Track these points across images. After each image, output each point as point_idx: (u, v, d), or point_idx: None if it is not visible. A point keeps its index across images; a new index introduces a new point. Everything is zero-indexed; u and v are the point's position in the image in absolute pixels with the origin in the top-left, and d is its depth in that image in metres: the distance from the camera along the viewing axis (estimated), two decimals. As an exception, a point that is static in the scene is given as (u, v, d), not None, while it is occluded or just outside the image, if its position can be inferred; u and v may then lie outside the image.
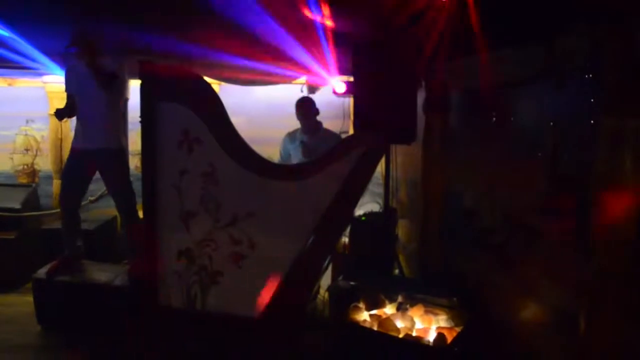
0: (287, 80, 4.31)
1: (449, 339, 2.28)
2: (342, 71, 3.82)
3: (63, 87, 3.35)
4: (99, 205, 4.67)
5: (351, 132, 3.59)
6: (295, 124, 3.95)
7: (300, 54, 3.33)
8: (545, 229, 2.06)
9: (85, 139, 3.26)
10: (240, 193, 2.60)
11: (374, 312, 2.58)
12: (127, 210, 3.32)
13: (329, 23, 2.99)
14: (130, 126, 3.43)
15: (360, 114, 3.04)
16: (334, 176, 2.55)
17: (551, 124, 1.99)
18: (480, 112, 2.74)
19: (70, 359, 2.88)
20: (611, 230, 1.65)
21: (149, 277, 2.68)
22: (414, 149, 3.22)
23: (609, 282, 1.66)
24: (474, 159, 2.76)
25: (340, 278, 2.95)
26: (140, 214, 3.00)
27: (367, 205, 3.63)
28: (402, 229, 3.80)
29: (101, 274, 3.27)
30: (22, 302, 3.51)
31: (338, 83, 3.62)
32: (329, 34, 3.11)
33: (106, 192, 3.58)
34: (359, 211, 3.44)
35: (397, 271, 3.45)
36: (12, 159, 5.09)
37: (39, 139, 5.08)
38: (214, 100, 2.59)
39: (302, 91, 4.32)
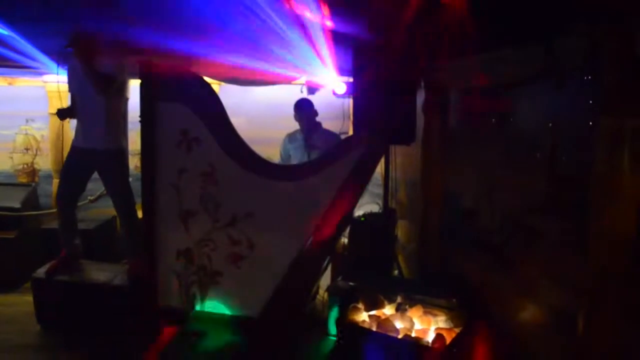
0: (287, 80, 4.31)
1: (448, 339, 2.27)
2: (342, 72, 3.82)
3: (63, 86, 3.35)
4: (98, 205, 4.65)
5: (351, 132, 3.59)
6: (294, 124, 3.95)
7: (301, 55, 3.33)
8: (544, 229, 2.06)
9: (85, 139, 3.26)
10: (240, 193, 2.61)
11: (373, 312, 2.57)
12: (126, 210, 3.32)
13: (328, 24, 2.99)
14: (130, 126, 3.42)
15: (359, 114, 3.04)
16: (333, 177, 2.55)
17: (550, 124, 1.99)
18: (479, 112, 2.74)
19: (69, 358, 2.88)
20: (610, 230, 1.65)
21: (148, 277, 2.68)
22: (414, 150, 3.22)
23: (609, 282, 1.66)
24: (474, 160, 2.76)
25: (340, 278, 2.95)
26: (140, 214, 3.00)
27: (366, 206, 3.62)
28: (401, 229, 3.80)
29: (100, 273, 3.26)
30: (22, 302, 3.51)
31: (338, 84, 3.62)
32: (329, 35, 3.11)
33: (105, 191, 3.57)
34: (358, 212, 3.44)
35: (396, 272, 3.44)
36: (12, 158, 5.09)
37: (38, 138, 5.09)
38: (214, 100, 2.60)
39: (301, 92, 4.32)
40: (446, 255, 3.14)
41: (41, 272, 3.22)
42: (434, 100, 3.15)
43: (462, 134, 3.06)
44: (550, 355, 1.98)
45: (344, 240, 3.57)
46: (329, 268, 3.47)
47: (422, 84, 3.16)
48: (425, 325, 2.44)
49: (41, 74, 4.20)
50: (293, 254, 2.58)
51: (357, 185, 2.60)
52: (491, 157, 2.52)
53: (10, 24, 3.18)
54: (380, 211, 3.42)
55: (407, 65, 2.85)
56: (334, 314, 2.71)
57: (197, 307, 2.67)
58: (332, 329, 2.69)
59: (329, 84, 3.68)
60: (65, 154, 3.43)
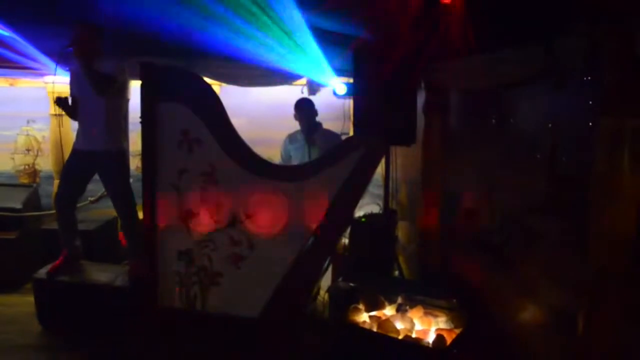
0: (288, 81, 4.32)
1: (449, 340, 2.27)
2: (343, 73, 3.83)
3: (64, 87, 3.36)
4: (99, 206, 4.66)
5: (351, 133, 3.59)
6: (295, 125, 3.96)
7: (301, 55, 3.33)
8: (544, 229, 2.06)
9: (86, 141, 3.26)
10: (240, 194, 2.61)
11: (373, 313, 2.58)
12: (127, 211, 3.32)
13: (330, 24, 3.00)
14: (130, 127, 3.43)
15: (360, 115, 3.04)
16: (334, 177, 2.55)
17: (550, 124, 1.99)
18: (479, 112, 2.74)
19: (70, 359, 2.88)
20: (610, 230, 1.65)
21: (149, 278, 2.68)
22: (414, 150, 3.22)
23: (609, 282, 1.66)
24: (474, 160, 2.76)
25: (340, 279, 2.95)
26: (140, 215, 3.00)
27: (367, 207, 3.63)
28: (402, 230, 3.80)
29: (101, 274, 3.27)
30: (23, 302, 3.52)
31: (338, 84, 3.62)
32: (330, 35, 3.12)
33: (106, 193, 3.57)
34: (359, 212, 3.44)
35: (396, 272, 3.44)
36: (13, 159, 5.10)
37: (40, 139, 5.09)
38: (214, 100, 2.60)
39: (302, 92, 4.33)
40: (446, 255, 3.14)
41: (42, 272, 3.23)
42: (434, 101, 3.15)
43: (463, 135, 3.07)
44: (550, 355, 1.98)
45: (345, 241, 3.58)
46: (330, 269, 3.48)
47: (423, 84, 3.17)
48: (425, 326, 2.45)
49: (42, 75, 4.21)
50: (293, 255, 2.57)
51: (357, 186, 2.60)
52: (491, 157, 2.52)
53: (12, 25, 3.19)
54: (381, 212, 3.42)
55: (408, 65, 2.85)
56: (334, 314, 2.72)
57: (198, 308, 2.67)
58: (333, 329, 2.70)
59: (329, 84, 3.69)
60: (66, 155, 3.43)
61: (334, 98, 3.78)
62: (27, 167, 5.10)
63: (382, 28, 2.86)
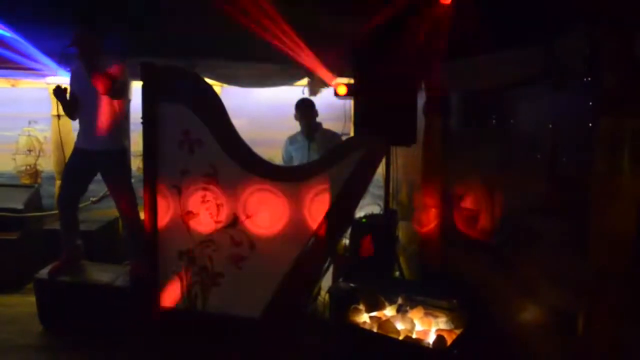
0: (289, 82, 4.33)
1: (449, 341, 2.28)
2: (344, 73, 3.84)
3: (67, 88, 3.36)
4: (101, 206, 4.68)
5: (352, 133, 3.60)
6: (296, 125, 3.96)
7: (302, 56, 3.34)
8: (545, 229, 2.06)
9: (87, 140, 3.27)
10: (241, 194, 2.61)
11: (374, 313, 2.58)
12: (128, 212, 3.33)
13: (331, 24, 3.00)
14: (132, 127, 3.44)
15: (361, 115, 3.04)
16: (334, 178, 2.56)
17: (550, 125, 1.99)
18: (480, 113, 2.75)
19: (71, 359, 2.89)
20: (610, 230, 1.65)
21: (149, 278, 2.69)
22: (415, 151, 3.23)
23: (609, 282, 1.66)
24: (474, 160, 2.77)
25: (341, 280, 2.95)
26: (142, 215, 3.01)
27: (367, 207, 3.63)
28: (402, 230, 3.80)
29: (103, 274, 3.27)
30: (24, 303, 3.52)
31: (339, 85, 3.63)
32: (331, 36, 3.12)
33: (107, 193, 3.58)
34: (359, 213, 3.44)
35: (397, 273, 3.44)
36: (14, 159, 5.11)
37: (41, 139, 5.10)
38: (215, 101, 2.60)
39: (303, 93, 4.33)
40: (447, 256, 3.14)
41: (43, 272, 3.23)
42: (435, 102, 3.16)
43: (463, 135, 3.07)
44: (551, 355, 1.98)
45: (345, 241, 3.58)
46: (331, 269, 3.48)
47: (423, 85, 3.17)
48: (426, 327, 2.45)
49: (44, 75, 4.22)
50: (294, 255, 2.58)
51: (358, 186, 2.60)
52: (492, 157, 2.52)
53: (13, 25, 3.20)
54: (382, 212, 3.42)
55: (409, 66, 2.85)
56: (335, 315, 2.72)
57: (199, 308, 2.68)
58: (333, 330, 2.70)
59: (330, 85, 3.70)
60: (68, 155, 3.44)
61: (335, 98, 3.78)
62: (28, 167, 5.11)
63: (383, 28, 2.87)
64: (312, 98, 4.09)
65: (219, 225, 2.62)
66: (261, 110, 4.78)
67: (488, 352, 2.34)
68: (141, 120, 2.58)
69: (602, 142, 1.65)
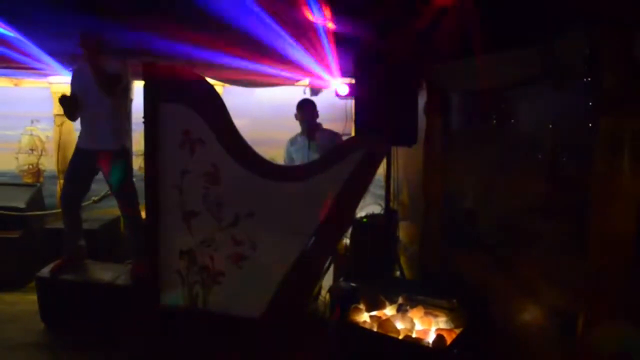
0: (291, 82, 4.33)
1: (449, 340, 2.28)
2: (345, 73, 3.84)
3: (68, 87, 3.38)
4: (102, 205, 4.69)
5: (353, 134, 3.60)
6: (297, 125, 3.97)
7: (303, 56, 3.35)
8: (544, 229, 2.06)
9: (89, 140, 3.28)
10: (242, 194, 2.62)
11: (374, 313, 2.58)
12: (130, 211, 3.34)
13: (331, 25, 3.01)
14: (133, 127, 3.45)
15: (362, 116, 3.05)
16: (335, 177, 2.56)
17: (550, 125, 2.00)
18: (480, 113, 2.75)
19: (72, 357, 2.89)
20: (610, 230, 1.65)
21: (151, 277, 2.70)
22: (416, 151, 3.23)
23: (608, 282, 1.66)
24: (475, 161, 2.77)
25: (341, 279, 2.96)
26: (143, 214, 3.02)
27: (369, 207, 3.63)
28: (403, 230, 3.81)
29: (104, 273, 3.28)
30: (26, 301, 3.54)
31: (340, 85, 3.63)
32: (332, 37, 3.13)
33: (109, 192, 3.59)
34: (360, 212, 3.44)
35: (398, 273, 3.45)
36: (17, 158, 5.14)
37: (44, 139, 5.13)
38: (217, 101, 2.61)
39: (305, 93, 4.34)
40: (447, 256, 3.15)
41: (45, 271, 3.24)
42: (435, 102, 3.16)
43: (464, 135, 3.07)
44: (550, 355, 1.98)
45: (346, 241, 3.59)
46: (332, 269, 3.48)
47: (424, 85, 3.17)
48: (426, 326, 2.45)
49: (46, 75, 4.23)
50: (295, 255, 2.58)
51: (359, 186, 2.60)
52: (492, 158, 2.53)
53: (16, 25, 3.22)
54: (382, 212, 3.43)
55: (409, 66, 2.86)
56: (335, 314, 2.73)
57: (200, 307, 2.68)
58: (334, 329, 2.70)
59: (331, 85, 3.70)
60: (70, 154, 3.45)
61: (336, 99, 3.79)
62: (31, 166, 5.13)
63: (384, 29, 2.88)
64: (314, 98, 4.09)
65: (220, 225, 2.63)
66: (263, 110, 4.80)
67: (487, 351, 2.35)
68: (142, 120, 2.58)
69: (601, 142, 1.66)
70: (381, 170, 3.02)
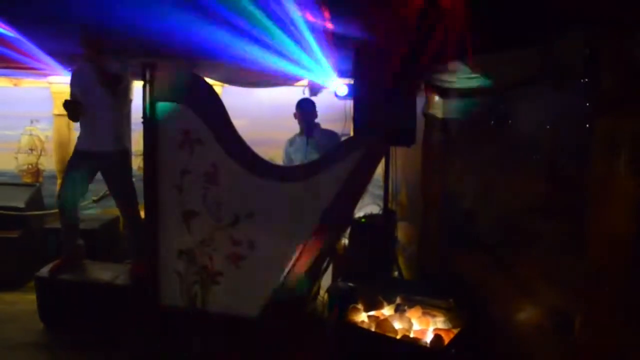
0: (290, 82, 4.34)
1: (446, 340, 2.28)
2: (344, 74, 3.84)
3: (68, 87, 3.38)
4: (102, 205, 4.70)
5: (352, 134, 3.60)
6: (297, 126, 3.97)
7: (302, 57, 3.35)
8: (543, 230, 2.07)
9: (89, 141, 3.28)
10: (241, 194, 2.62)
11: (372, 313, 2.59)
12: (129, 211, 3.34)
13: (330, 26, 3.01)
14: (133, 127, 3.45)
15: (360, 116, 3.05)
16: (333, 177, 2.57)
17: (548, 126, 2.00)
18: (479, 114, 2.76)
19: (71, 356, 2.90)
20: (608, 231, 1.66)
21: (150, 277, 2.70)
22: (414, 151, 3.24)
23: (606, 282, 1.67)
24: (473, 161, 2.78)
25: (339, 279, 2.96)
26: (142, 214, 3.02)
27: (367, 207, 3.64)
28: (401, 230, 3.81)
29: (103, 273, 3.29)
30: (25, 301, 3.54)
31: (339, 85, 3.64)
32: (330, 37, 3.13)
33: (108, 192, 3.60)
34: (359, 213, 3.45)
35: (396, 273, 3.45)
36: (16, 158, 5.14)
37: (43, 139, 5.13)
38: (215, 101, 2.62)
39: (304, 93, 4.34)
40: (445, 256, 3.15)
41: (44, 271, 3.25)
42: (432, 103, 3.16)
43: (462, 136, 3.08)
44: (548, 355, 1.98)
45: (345, 241, 3.59)
46: (330, 269, 3.49)
47: (423, 85, 3.18)
48: (423, 326, 2.45)
49: (46, 75, 4.24)
50: (293, 255, 2.59)
51: (357, 186, 2.61)
52: (490, 158, 2.53)
53: (16, 25, 3.22)
54: (381, 212, 3.43)
55: (408, 67, 2.86)
56: (333, 314, 2.73)
57: (198, 307, 2.69)
58: (332, 329, 2.71)
59: (330, 85, 3.70)
60: (69, 154, 3.46)
61: (335, 99, 3.79)
62: (30, 166, 5.14)
63: (383, 29, 2.88)
64: (313, 98, 4.10)
65: (219, 225, 2.64)
66: (262, 110, 4.80)
67: (486, 351, 2.35)
68: (142, 120, 2.59)
69: (600, 143, 1.66)
70: (380, 170, 3.03)
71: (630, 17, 1.57)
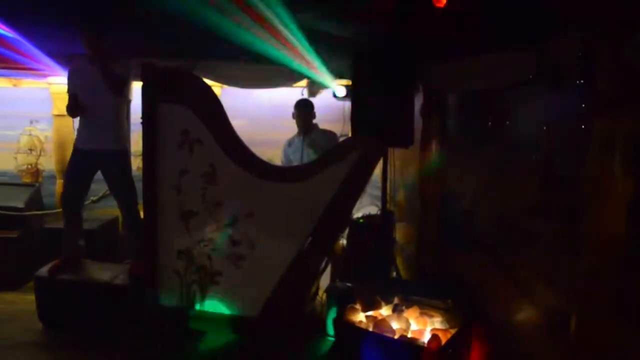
0: (288, 83, 4.35)
1: (444, 340, 2.29)
2: (343, 75, 3.86)
3: (67, 88, 3.39)
4: (101, 205, 4.70)
5: (350, 135, 3.62)
6: (295, 126, 3.98)
7: (302, 58, 3.36)
8: (539, 230, 2.08)
9: (88, 140, 3.29)
10: (240, 194, 2.63)
11: (370, 313, 2.59)
12: (129, 211, 3.35)
13: (329, 26, 3.02)
14: (132, 127, 3.46)
15: (358, 117, 3.06)
16: (332, 178, 2.57)
17: (545, 127, 2.01)
18: (476, 114, 2.77)
19: (70, 356, 2.90)
20: (603, 231, 1.67)
21: (149, 277, 2.71)
22: (412, 152, 3.25)
23: (602, 282, 1.68)
24: (471, 162, 2.78)
25: (337, 280, 2.98)
26: (142, 214, 3.03)
27: (365, 208, 3.65)
28: (400, 231, 3.82)
29: (102, 273, 3.29)
30: (24, 301, 3.54)
31: (338, 87, 3.65)
32: (329, 38, 3.14)
33: (108, 192, 3.60)
34: (357, 213, 3.46)
35: (394, 273, 3.46)
36: (16, 158, 5.14)
37: (42, 139, 5.14)
38: (214, 102, 2.62)
39: (302, 94, 4.36)
40: (443, 256, 3.16)
41: (44, 271, 3.25)
42: (431, 103, 3.17)
43: (460, 137, 3.09)
44: (545, 355, 1.99)
45: (343, 241, 3.60)
46: (329, 269, 3.50)
47: (420, 86, 3.19)
48: (421, 326, 2.46)
49: (45, 75, 4.25)
50: (292, 255, 2.60)
51: (355, 186, 2.62)
52: (487, 159, 2.54)
53: (15, 26, 3.23)
54: (379, 213, 3.44)
55: (406, 68, 2.87)
56: (332, 314, 2.74)
57: (197, 307, 2.70)
58: (330, 329, 2.72)
59: (329, 86, 3.72)
60: (69, 154, 3.46)
61: (334, 100, 3.81)
62: (29, 166, 5.14)
63: (381, 30, 2.89)
64: (312, 99, 4.11)
65: (218, 225, 2.65)
66: (261, 111, 4.81)
67: (483, 351, 2.36)
68: (141, 120, 2.60)
69: (595, 143, 1.67)
70: (378, 171, 3.04)
71: (624, 19, 1.58)
